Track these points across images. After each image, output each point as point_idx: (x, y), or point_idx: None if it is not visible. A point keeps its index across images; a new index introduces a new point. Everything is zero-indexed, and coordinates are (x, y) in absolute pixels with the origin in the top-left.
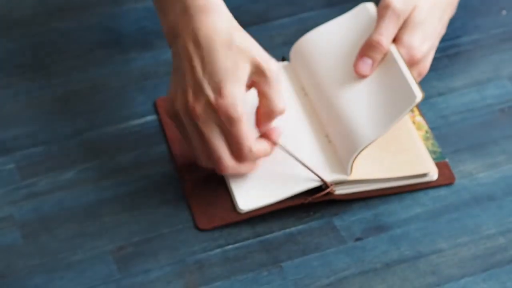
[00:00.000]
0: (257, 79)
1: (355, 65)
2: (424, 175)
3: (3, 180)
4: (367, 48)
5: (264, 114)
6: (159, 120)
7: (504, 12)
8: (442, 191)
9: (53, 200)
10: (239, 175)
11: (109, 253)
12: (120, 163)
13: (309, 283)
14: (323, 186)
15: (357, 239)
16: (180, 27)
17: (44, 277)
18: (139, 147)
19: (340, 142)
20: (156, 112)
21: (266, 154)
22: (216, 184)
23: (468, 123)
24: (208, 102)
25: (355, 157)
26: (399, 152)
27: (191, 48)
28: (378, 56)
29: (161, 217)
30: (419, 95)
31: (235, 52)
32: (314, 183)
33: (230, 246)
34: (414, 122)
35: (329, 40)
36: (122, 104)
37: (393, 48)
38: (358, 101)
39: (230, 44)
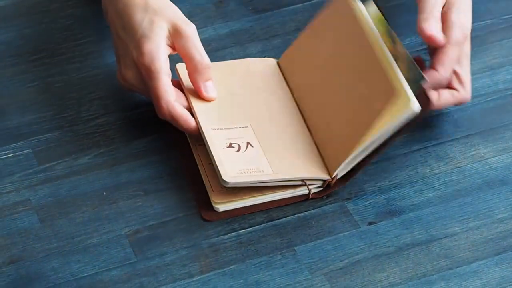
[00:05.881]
0: (175, 39)
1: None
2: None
3: (20, 165)
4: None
5: (191, 73)
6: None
7: None
8: (454, 176)
9: (69, 185)
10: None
11: (125, 237)
12: (135, 148)
13: (322, 266)
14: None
15: (370, 223)
16: (107, 4)
17: (61, 260)
18: (154, 132)
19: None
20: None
21: (185, 119)
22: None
23: (480, 108)
24: (134, 63)
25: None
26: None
27: (114, 18)
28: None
29: (176, 202)
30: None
31: (151, 13)
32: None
33: (244, 230)
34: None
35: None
36: None
37: None
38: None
39: (146, 7)
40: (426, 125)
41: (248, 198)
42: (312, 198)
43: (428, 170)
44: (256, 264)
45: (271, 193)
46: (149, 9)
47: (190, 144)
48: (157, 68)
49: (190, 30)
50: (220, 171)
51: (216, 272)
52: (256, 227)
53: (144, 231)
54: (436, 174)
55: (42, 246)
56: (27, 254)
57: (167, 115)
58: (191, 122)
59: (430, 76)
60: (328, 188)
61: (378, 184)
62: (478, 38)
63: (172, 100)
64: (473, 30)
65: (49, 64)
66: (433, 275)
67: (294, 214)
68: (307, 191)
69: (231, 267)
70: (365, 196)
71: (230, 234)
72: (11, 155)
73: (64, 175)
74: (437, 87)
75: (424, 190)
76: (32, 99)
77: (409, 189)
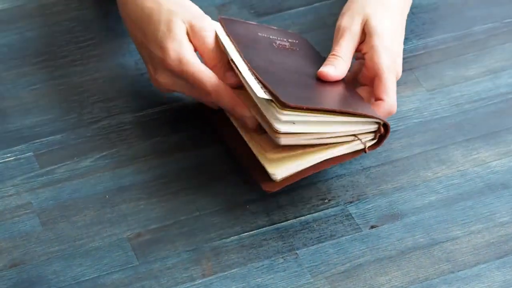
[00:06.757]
0: (193, 37)
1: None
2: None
3: (22, 168)
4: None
5: (212, 68)
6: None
7: None
8: (456, 179)
9: (71, 188)
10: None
11: (127, 240)
12: (137, 151)
13: (324, 270)
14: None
15: (372, 227)
16: (123, 14)
17: (63, 264)
18: (156, 135)
19: None
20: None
21: (232, 95)
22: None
23: (481, 111)
24: (163, 65)
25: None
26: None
27: (133, 27)
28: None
29: (178, 205)
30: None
31: (167, 15)
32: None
33: (246, 234)
34: None
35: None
36: (139, 93)
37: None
38: None
39: (160, 9)
40: (428, 128)
41: (302, 155)
42: (369, 151)
43: (430, 174)
44: (258, 267)
45: (325, 150)
46: (163, 11)
47: (233, 121)
48: (187, 59)
49: (206, 25)
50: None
51: (218, 275)
52: (258, 230)
53: (146, 234)
54: (438, 177)
55: (43, 249)
56: (29, 258)
57: (213, 94)
58: (237, 100)
59: (380, 108)
60: (381, 140)
61: (380, 187)
62: (480, 42)
63: (214, 77)
64: (475, 33)
65: (51, 67)
66: (435, 278)
67: (296, 218)
68: (362, 146)
69: (233, 270)
70: (367, 200)
71: (232, 237)
72: (12, 158)
73: (65, 178)
74: (388, 115)
75: (426, 193)
76: (34, 101)
77: (411, 192)
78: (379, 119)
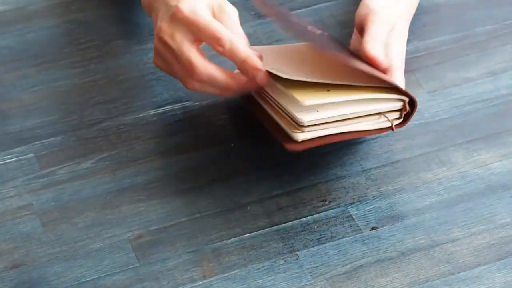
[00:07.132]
0: (218, 14)
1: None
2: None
3: (23, 170)
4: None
5: None
6: None
7: None
8: (456, 181)
9: (72, 189)
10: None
11: (127, 241)
12: (137, 153)
13: (325, 271)
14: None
15: (373, 228)
16: None
17: (64, 265)
18: (156, 136)
19: None
20: None
21: (252, 56)
22: None
23: (482, 113)
24: (175, 13)
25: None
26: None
27: None
28: None
29: (179, 206)
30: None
31: None
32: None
33: (246, 235)
34: None
35: None
36: (140, 94)
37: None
38: None
39: None
40: (429, 130)
41: (331, 124)
42: (397, 129)
43: (430, 175)
44: (258, 269)
45: (352, 122)
46: None
47: (256, 97)
48: (201, 11)
49: (234, 10)
50: (298, 98)
51: (219, 276)
52: (259, 231)
53: (147, 235)
54: (439, 179)
55: (44, 250)
56: (30, 259)
57: (227, 44)
58: (251, 52)
59: None
60: (407, 118)
61: (381, 189)
62: (480, 44)
63: (227, 30)
64: (476, 35)
65: (52, 68)
66: (435, 280)
67: (297, 219)
68: (389, 124)
69: (233, 272)
70: (367, 201)
71: (232, 238)
72: (13, 159)
73: (66, 179)
74: None
75: (426, 195)
76: (35, 103)
77: (412, 194)
78: (406, 92)
